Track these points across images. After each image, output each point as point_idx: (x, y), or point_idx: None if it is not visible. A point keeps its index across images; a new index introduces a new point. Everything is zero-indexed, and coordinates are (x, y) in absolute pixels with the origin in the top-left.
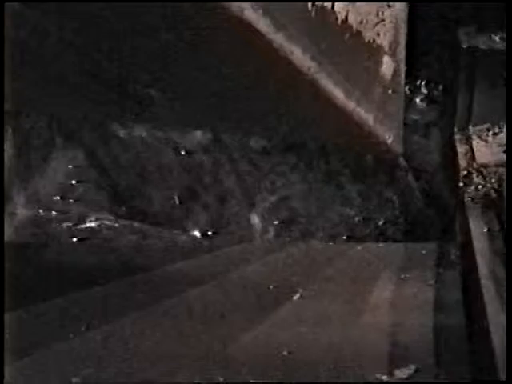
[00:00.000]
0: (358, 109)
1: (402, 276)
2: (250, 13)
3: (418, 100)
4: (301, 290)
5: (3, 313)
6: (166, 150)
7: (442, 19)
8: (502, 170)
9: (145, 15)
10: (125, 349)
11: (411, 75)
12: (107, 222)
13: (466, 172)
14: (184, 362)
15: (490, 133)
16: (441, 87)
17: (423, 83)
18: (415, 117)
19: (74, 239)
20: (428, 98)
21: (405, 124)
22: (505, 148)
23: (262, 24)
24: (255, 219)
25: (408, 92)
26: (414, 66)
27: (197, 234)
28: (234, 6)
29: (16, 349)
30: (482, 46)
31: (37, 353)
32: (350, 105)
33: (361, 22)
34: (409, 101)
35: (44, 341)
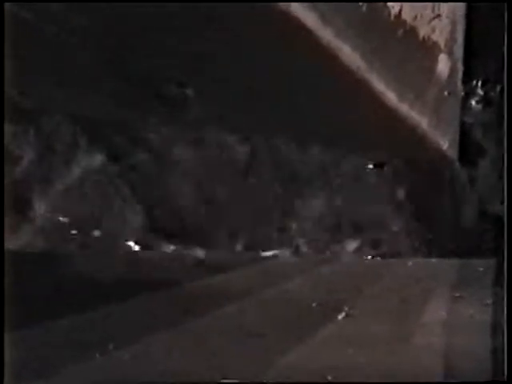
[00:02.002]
0: (411, 112)
1: (457, 294)
2: (297, 7)
3: (473, 102)
4: (346, 309)
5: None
6: (199, 156)
7: (502, 13)
8: None
9: (179, 6)
10: (155, 369)
11: (466, 75)
12: (134, 233)
13: None
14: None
15: None
16: (498, 88)
17: (479, 83)
18: (470, 120)
19: (99, 250)
20: (484, 100)
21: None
22: None
23: (309, 19)
24: (296, 231)
25: (462, 93)
26: (469, 65)
27: (231, 245)
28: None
29: (37, 369)
30: None
31: (60, 373)
32: (403, 107)
33: (415, 18)
34: (463, 103)
35: (68, 360)
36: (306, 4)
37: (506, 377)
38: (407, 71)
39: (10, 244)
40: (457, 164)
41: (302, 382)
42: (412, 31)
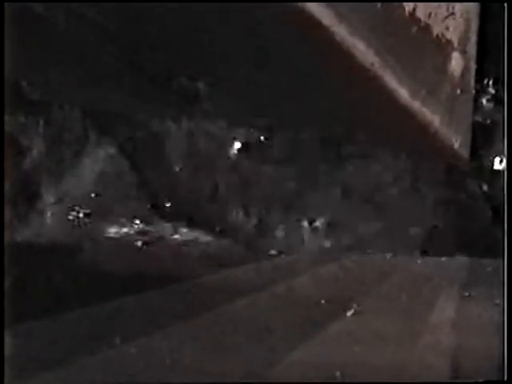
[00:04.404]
0: (424, 109)
1: (466, 294)
2: (313, 4)
3: (484, 100)
4: (355, 306)
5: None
6: (210, 149)
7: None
8: None
9: (194, 4)
10: (162, 363)
11: (477, 73)
12: (145, 226)
13: None
14: (225, 380)
15: None
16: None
17: (490, 82)
18: (481, 119)
19: (109, 243)
20: (495, 99)
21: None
22: None
23: (324, 15)
24: (305, 227)
25: (474, 92)
26: (480, 64)
27: (242, 240)
28: None
29: (45, 359)
30: None
31: (67, 365)
32: (415, 104)
33: (429, 16)
34: (474, 101)
35: (75, 352)
36: (322, 1)
37: (506, 377)
38: (420, 69)
39: (19, 235)
40: (468, 162)
41: (309, 382)
42: (426, 29)
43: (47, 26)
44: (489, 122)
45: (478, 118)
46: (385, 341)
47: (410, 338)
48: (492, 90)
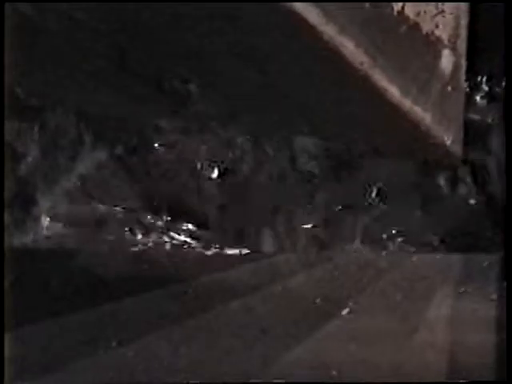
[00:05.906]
0: (415, 107)
1: (461, 290)
2: (300, 3)
3: (478, 98)
4: (350, 305)
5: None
6: (205, 152)
7: (507, 8)
8: None
9: (184, 5)
10: (159, 365)
11: (471, 70)
12: (141, 230)
13: None
14: (221, 381)
15: None
16: (503, 83)
17: (484, 79)
18: (475, 116)
19: (105, 247)
20: (489, 96)
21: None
22: None
23: (312, 14)
24: (299, 227)
25: (467, 89)
26: (474, 61)
27: (237, 242)
28: None
29: (43, 362)
30: None
31: (64, 368)
32: (406, 103)
33: (418, 13)
34: (468, 98)
35: (72, 355)
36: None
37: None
38: (410, 67)
39: (16, 241)
40: (460, 160)
41: (306, 382)
42: (415, 27)
43: (38, 30)
44: (483, 119)
45: (472, 116)
46: (381, 338)
47: (406, 335)
48: (486, 87)
